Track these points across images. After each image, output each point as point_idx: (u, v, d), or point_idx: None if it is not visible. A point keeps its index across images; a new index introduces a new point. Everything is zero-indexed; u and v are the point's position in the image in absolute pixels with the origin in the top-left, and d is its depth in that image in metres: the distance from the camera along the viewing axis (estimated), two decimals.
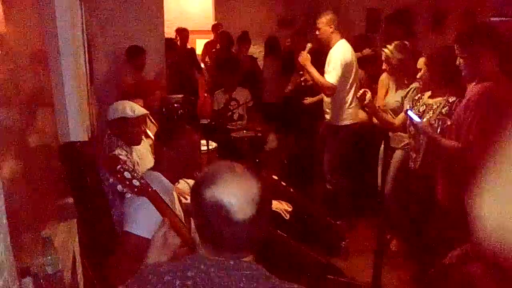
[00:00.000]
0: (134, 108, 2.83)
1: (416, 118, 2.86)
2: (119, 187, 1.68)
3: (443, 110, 2.93)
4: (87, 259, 2.33)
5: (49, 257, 1.55)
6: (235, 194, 1.07)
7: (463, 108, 2.58)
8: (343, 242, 3.72)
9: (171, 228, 1.48)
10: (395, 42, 3.64)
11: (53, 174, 2.28)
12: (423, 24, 6.38)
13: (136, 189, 1.67)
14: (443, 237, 2.56)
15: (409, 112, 2.94)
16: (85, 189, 2.50)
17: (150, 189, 1.68)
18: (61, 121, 2.62)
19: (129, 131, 2.81)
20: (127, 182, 1.65)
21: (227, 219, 1.06)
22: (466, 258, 2.14)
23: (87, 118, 3.08)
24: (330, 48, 3.97)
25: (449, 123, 2.80)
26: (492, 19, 7.78)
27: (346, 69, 3.88)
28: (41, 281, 1.48)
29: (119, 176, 1.64)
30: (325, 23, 3.92)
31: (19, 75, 1.69)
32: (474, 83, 2.57)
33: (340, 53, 3.89)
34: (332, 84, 3.86)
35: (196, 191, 1.12)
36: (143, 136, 3.01)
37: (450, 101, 2.91)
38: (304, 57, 3.94)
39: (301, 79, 4.93)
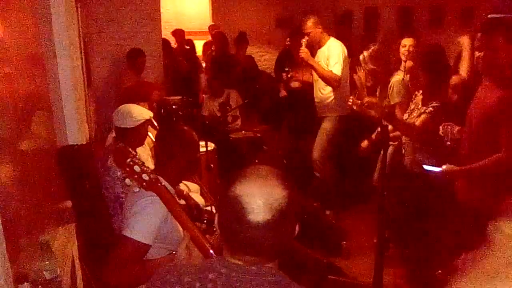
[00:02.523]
0: (142, 112, 2.80)
1: (436, 169, 2.73)
2: (127, 180, 1.66)
3: (426, 110, 2.95)
4: (87, 264, 2.31)
5: (47, 262, 1.53)
6: (254, 195, 1.05)
7: (482, 112, 2.51)
8: (344, 242, 3.71)
9: (191, 240, 1.47)
10: (371, 49, 3.78)
11: (51, 178, 2.26)
12: (421, 22, 6.39)
13: (144, 183, 1.65)
14: (452, 239, 2.53)
15: (426, 167, 2.81)
16: (84, 193, 2.48)
17: (159, 184, 1.64)
18: (59, 124, 2.60)
19: (135, 137, 2.78)
20: (136, 176, 1.63)
21: (241, 219, 1.05)
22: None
23: (85, 121, 3.06)
24: (321, 47, 4.13)
25: (456, 129, 2.77)
26: (490, 15, 7.79)
27: (345, 63, 4.07)
28: (39, 287, 1.46)
29: (128, 169, 1.62)
30: (313, 26, 4.08)
31: (15, 79, 1.67)
32: (490, 84, 2.51)
33: (338, 47, 4.07)
34: (338, 75, 4.00)
35: (224, 187, 1.12)
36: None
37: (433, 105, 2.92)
38: (305, 52, 4.03)
39: (289, 76, 4.90)
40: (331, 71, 4.01)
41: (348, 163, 4.32)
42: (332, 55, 4.05)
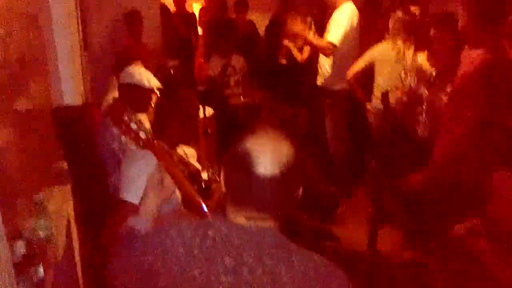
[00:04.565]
0: (149, 78, 2.76)
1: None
2: (123, 138, 1.61)
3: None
4: (82, 224, 2.33)
5: (42, 221, 1.54)
6: (263, 149, 1.08)
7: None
8: (339, 209, 3.74)
9: (166, 173, 1.46)
10: None
11: (46, 138, 2.25)
12: None
13: (141, 142, 1.62)
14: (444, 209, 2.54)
15: None
16: (79, 154, 2.48)
17: (156, 143, 1.63)
18: (54, 85, 2.58)
19: (140, 99, 2.74)
20: (133, 134, 1.60)
21: (250, 173, 1.07)
22: (474, 231, 2.14)
23: (81, 82, 3.02)
24: (335, 8, 3.86)
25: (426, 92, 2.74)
26: None
27: (351, 32, 3.79)
28: (34, 245, 1.47)
29: (124, 126, 1.58)
30: None
31: (9, 38, 1.63)
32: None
33: (346, 14, 3.79)
34: (332, 43, 3.76)
35: (234, 142, 1.13)
36: None
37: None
38: (295, 23, 3.86)
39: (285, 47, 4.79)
40: (325, 41, 3.79)
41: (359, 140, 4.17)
42: (336, 20, 3.80)
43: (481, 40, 2.27)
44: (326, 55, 3.89)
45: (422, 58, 3.45)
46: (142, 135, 1.59)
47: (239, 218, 1.12)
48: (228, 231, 1.10)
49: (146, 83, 2.71)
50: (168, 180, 1.46)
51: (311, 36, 3.87)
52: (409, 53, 3.57)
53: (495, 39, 2.27)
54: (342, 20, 3.77)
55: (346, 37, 3.77)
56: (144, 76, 2.73)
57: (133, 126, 1.58)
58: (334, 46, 3.76)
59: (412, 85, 3.32)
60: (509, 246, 1.99)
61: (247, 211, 1.11)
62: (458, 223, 2.23)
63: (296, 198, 1.15)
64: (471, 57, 2.33)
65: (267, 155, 1.07)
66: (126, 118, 1.56)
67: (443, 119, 2.55)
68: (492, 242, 2.05)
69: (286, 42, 4.69)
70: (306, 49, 4.76)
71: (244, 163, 1.08)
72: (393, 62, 3.60)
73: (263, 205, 1.10)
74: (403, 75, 3.52)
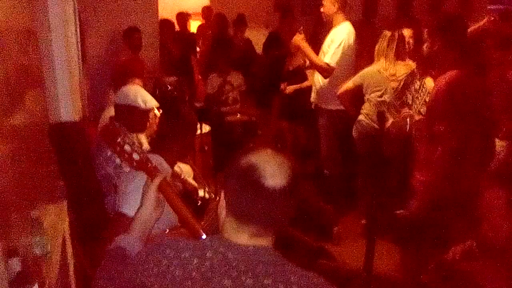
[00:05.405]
0: (146, 99, 2.75)
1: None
2: (118, 160, 1.63)
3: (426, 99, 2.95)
4: (78, 241, 2.30)
5: (38, 238, 1.53)
6: (270, 161, 1.11)
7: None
8: (335, 227, 3.73)
9: (182, 223, 1.48)
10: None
11: (43, 154, 2.24)
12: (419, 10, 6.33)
13: (135, 163, 1.61)
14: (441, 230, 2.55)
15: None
16: (75, 171, 2.46)
17: (149, 165, 1.63)
18: (52, 100, 2.57)
19: (136, 120, 2.75)
20: (126, 155, 1.60)
21: (258, 184, 1.08)
22: (469, 254, 2.14)
23: (79, 98, 3.02)
24: (332, 27, 3.89)
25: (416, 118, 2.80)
26: (489, 7, 7.76)
27: (348, 53, 3.82)
28: (29, 262, 1.45)
29: (118, 148, 1.59)
30: (329, 1, 3.82)
31: (6, 53, 1.64)
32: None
33: (344, 35, 3.81)
34: (330, 65, 3.78)
35: (233, 160, 1.15)
36: None
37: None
38: (299, 38, 3.87)
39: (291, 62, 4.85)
40: (323, 61, 3.80)
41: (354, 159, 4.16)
42: (334, 41, 3.81)
43: (448, 62, 2.45)
44: (324, 76, 3.89)
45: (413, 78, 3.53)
46: (135, 156, 1.60)
47: (241, 236, 1.12)
48: (226, 251, 1.10)
49: (142, 105, 2.70)
50: (161, 200, 1.46)
51: (310, 51, 3.90)
52: (399, 73, 3.61)
53: (459, 61, 2.42)
54: (340, 41, 3.78)
55: (343, 57, 3.80)
56: (140, 97, 2.72)
57: (127, 148, 1.59)
58: (332, 68, 3.78)
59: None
60: (504, 265, 1.99)
61: (247, 226, 1.12)
62: (454, 245, 2.24)
63: (291, 213, 1.16)
64: (442, 78, 2.48)
65: (275, 167, 1.09)
66: (119, 139, 1.57)
67: (420, 137, 2.64)
68: (487, 262, 2.04)
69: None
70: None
71: (251, 177, 1.09)
72: (381, 84, 3.62)
73: (266, 219, 1.12)
74: (388, 96, 3.56)
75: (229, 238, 1.13)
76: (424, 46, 2.60)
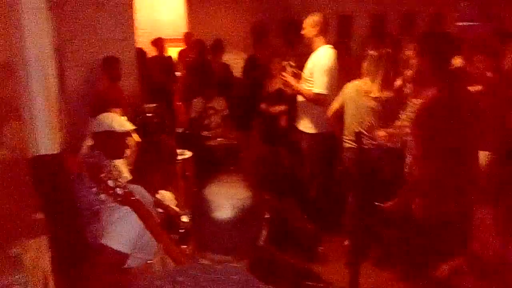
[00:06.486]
0: (121, 123, 2.77)
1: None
2: (102, 196, 1.69)
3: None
4: (60, 276, 2.26)
5: (18, 276, 1.50)
6: (219, 194, 1.15)
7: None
8: (320, 247, 3.73)
9: (165, 252, 1.51)
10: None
11: (22, 189, 2.21)
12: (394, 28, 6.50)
13: (119, 198, 1.68)
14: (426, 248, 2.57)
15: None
16: (56, 204, 2.43)
17: (132, 198, 1.68)
18: (30, 133, 2.55)
19: (114, 145, 2.75)
20: (111, 191, 1.67)
21: (208, 216, 1.14)
22: (459, 270, 2.16)
23: (58, 130, 3.00)
24: (313, 51, 3.91)
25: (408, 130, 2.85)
26: (457, 23, 8.03)
27: (331, 75, 3.83)
28: None
29: (102, 184, 1.66)
30: (310, 24, 3.85)
31: None
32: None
33: (324, 59, 3.83)
34: (322, 93, 3.78)
35: (198, 190, 1.20)
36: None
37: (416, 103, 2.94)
38: (287, 78, 3.91)
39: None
40: (314, 93, 3.79)
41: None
42: (315, 68, 3.82)
43: (433, 79, 2.47)
44: (320, 105, 3.85)
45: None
46: (119, 191, 1.65)
47: (206, 261, 1.17)
48: (197, 273, 1.14)
49: (118, 128, 2.72)
50: (170, 264, 1.58)
51: (300, 86, 3.91)
52: (383, 94, 3.62)
53: (444, 78, 2.46)
54: (324, 66, 3.80)
55: (329, 81, 3.80)
56: (115, 121, 2.75)
57: (110, 183, 1.65)
58: (325, 95, 3.79)
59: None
60: (493, 281, 2.01)
61: (211, 255, 1.16)
62: (443, 262, 2.26)
63: (256, 240, 1.20)
64: (426, 95, 2.52)
65: (222, 200, 1.14)
66: (103, 175, 1.62)
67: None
68: (477, 279, 2.06)
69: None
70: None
71: (204, 208, 1.15)
72: (359, 102, 3.58)
73: (224, 248, 1.16)
74: (366, 114, 3.56)
75: (198, 260, 1.18)
76: (411, 65, 2.62)
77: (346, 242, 3.71)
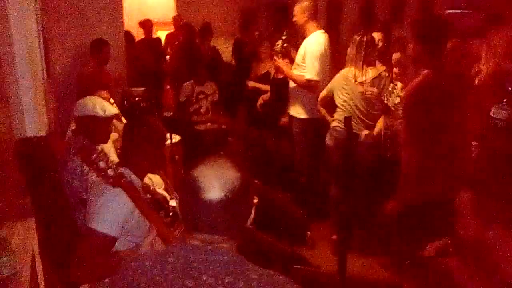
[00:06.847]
0: (104, 108, 2.70)
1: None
2: (94, 177, 1.71)
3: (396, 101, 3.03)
4: (48, 259, 2.25)
5: (5, 258, 1.49)
6: (209, 175, 1.16)
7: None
8: (308, 232, 3.76)
9: (158, 235, 1.52)
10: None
11: (8, 171, 2.19)
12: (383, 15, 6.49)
13: (111, 179, 1.70)
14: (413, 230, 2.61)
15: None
16: (42, 187, 2.41)
17: (123, 180, 1.70)
18: (16, 116, 2.52)
19: (97, 130, 2.69)
20: (102, 172, 1.68)
21: (198, 198, 1.15)
22: (445, 251, 2.20)
23: (44, 113, 2.97)
24: (305, 37, 3.89)
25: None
26: (447, 11, 8.05)
27: (323, 61, 3.82)
28: None
29: (94, 166, 1.67)
30: (299, 10, 3.83)
31: None
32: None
33: (316, 45, 3.81)
34: (314, 79, 3.78)
35: (185, 172, 1.22)
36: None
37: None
38: (279, 63, 3.95)
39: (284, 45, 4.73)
40: (306, 79, 3.80)
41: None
42: (307, 54, 3.80)
43: (425, 61, 2.52)
44: (311, 91, 3.85)
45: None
46: (110, 172, 1.66)
47: (195, 241, 1.18)
48: (187, 253, 1.16)
49: (101, 112, 2.66)
50: (159, 247, 1.58)
51: (292, 72, 3.92)
52: (368, 78, 3.63)
53: (436, 60, 2.50)
54: (316, 52, 3.79)
55: (321, 67, 3.80)
56: (98, 105, 2.69)
57: (102, 164, 1.66)
58: (317, 81, 3.79)
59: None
60: (474, 262, 2.06)
61: (200, 235, 1.18)
62: (430, 243, 2.30)
63: (245, 220, 1.22)
64: (417, 76, 2.56)
65: (212, 181, 1.15)
66: (94, 156, 1.63)
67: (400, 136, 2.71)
68: (461, 260, 2.10)
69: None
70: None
71: (193, 190, 1.15)
72: (347, 89, 3.58)
73: (213, 229, 1.17)
74: (358, 101, 3.59)
75: (187, 241, 1.20)
76: (408, 49, 2.67)
77: (334, 237, 3.73)
